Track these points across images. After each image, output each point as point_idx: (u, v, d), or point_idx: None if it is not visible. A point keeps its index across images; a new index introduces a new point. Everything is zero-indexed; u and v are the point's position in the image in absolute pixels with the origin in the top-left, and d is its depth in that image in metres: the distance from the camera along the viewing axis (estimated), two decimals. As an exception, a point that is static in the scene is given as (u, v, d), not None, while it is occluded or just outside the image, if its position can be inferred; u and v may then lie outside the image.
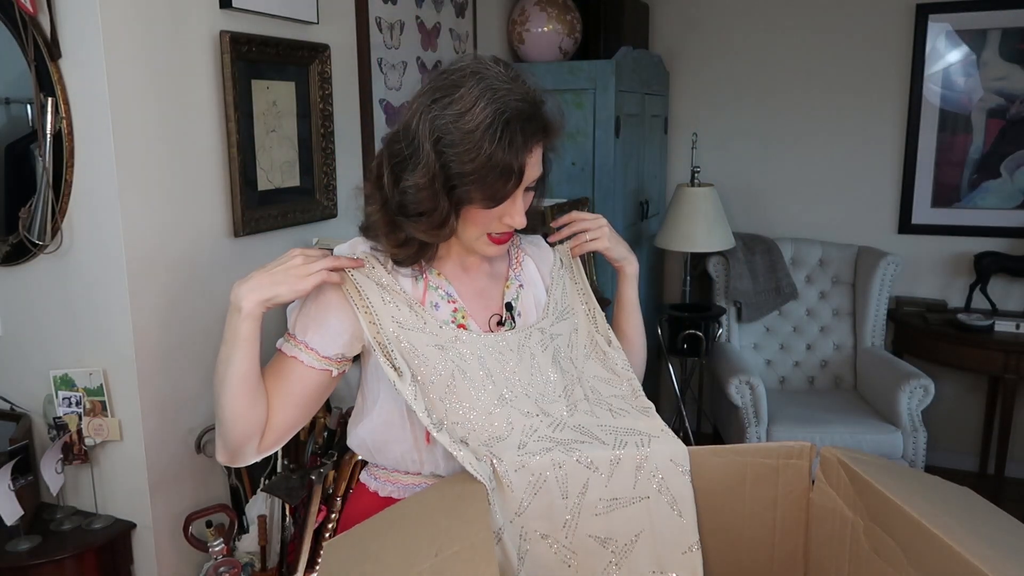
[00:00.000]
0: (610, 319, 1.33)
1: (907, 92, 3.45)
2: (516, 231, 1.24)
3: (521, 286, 1.22)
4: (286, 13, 1.95)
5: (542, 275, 1.26)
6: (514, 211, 1.07)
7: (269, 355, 1.15)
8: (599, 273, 3.08)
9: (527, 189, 1.09)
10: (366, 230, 1.16)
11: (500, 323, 1.16)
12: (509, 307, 1.18)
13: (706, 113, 3.77)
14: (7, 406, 1.78)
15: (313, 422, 1.81)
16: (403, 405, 1.12)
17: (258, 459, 1.12)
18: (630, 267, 1.34)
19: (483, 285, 1.19)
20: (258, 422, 1.08)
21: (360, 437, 1.19)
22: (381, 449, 1.17)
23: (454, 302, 1.14)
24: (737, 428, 3.09)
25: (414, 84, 2.55)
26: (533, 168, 1.07)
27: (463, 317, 1.14)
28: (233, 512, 1.79)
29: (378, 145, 2.22)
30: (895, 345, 3.48)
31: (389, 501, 1.17)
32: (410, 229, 1.08)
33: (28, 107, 1.67)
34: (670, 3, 3.76)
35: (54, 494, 1.67)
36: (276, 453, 1.80)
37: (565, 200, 2.95)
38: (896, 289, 3.47)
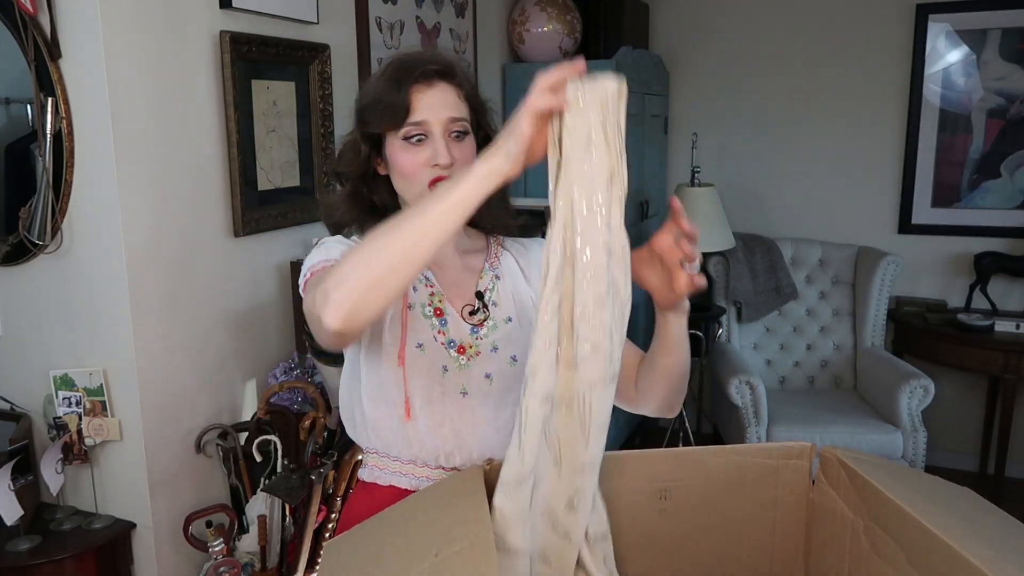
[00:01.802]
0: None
1: (907, 92, 3.44)
2: (508, 236, 1.25)
3: (497, 277, 1.21)
4: (286, 13, 1.95)
5: (523, 270, 1.24)
6: (439, 149, 1.09)
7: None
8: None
9: (456, 135, 1.12)
10: (338, 227, 1.24)
11: (472, 312, 1.18)
12: (480, 296, 1.19)
13: (706, 113, 3.77)
14: (7, 406, 1.78)
15: (313, 422, 1.81)
16: (387, 378, 1.13)
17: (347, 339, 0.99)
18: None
19: (457, 277, 1.20)
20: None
21: (352, 415, 1.21)
22: (374, 426, 1.18)
23: (431, 286, 1.17)
24: (737, 428, 3.09)
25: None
26: (436, 106, 1.11)
27: (439, 300, 1.17)
28: (233, 512, 1.79)
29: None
30: (895, 345, 3.48)
31: (376, 489, 1.18)
32: (358, 188, 1.18)
33: (28, 107, 1.67)
34: (670, 3, 3.76)
35: (54, 494, 1.67)
36: (276, 453, 1.80)
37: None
38: (896, 289, 3.47)
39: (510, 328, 1.18)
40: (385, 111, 1.10)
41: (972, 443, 3.54)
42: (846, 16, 3.49)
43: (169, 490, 1.75)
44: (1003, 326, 3.15)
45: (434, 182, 1.10)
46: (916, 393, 2.96)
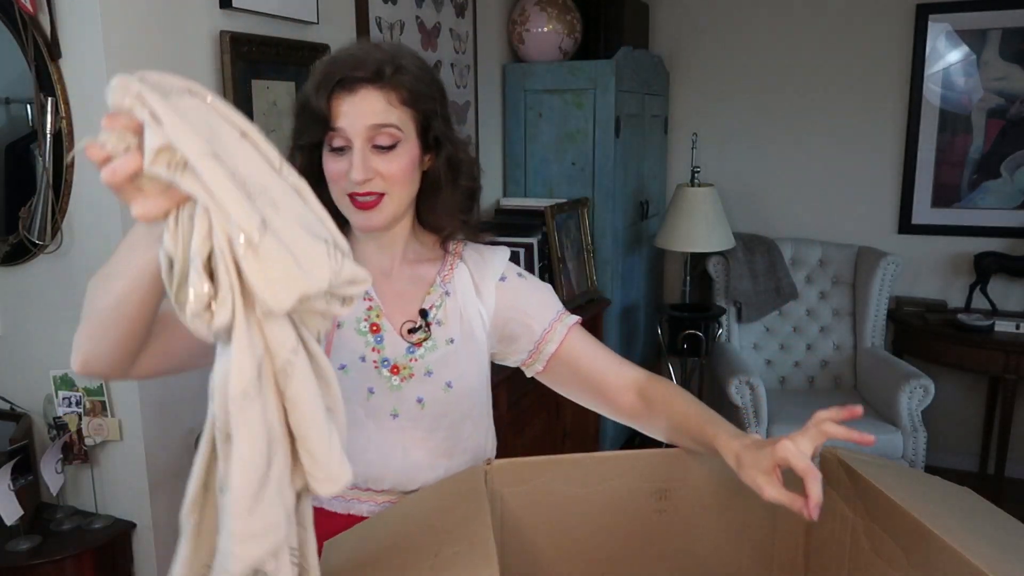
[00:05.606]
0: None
1: (907, 92, 3.44)
2: (469, 240, 1.16)
3: (447, 293, 1.13)
4: (286, 13, 1.95)
5: (476, 284, 1.14)
6: (354, 162, 1.00)
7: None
8: (599, 273, 3.07)
9: (381, 147, 1.01)
10: None
11: (412, 331, 1.10)
12: (424, 314, 1.11)
13: (706, 113, 3.77)
14: (7, 406, 1.78)
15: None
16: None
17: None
18: None
19: (403, 288, 1.12)
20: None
21: None
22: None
23: (371, 300, 1.10)
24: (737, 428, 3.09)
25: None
26: (353, 115, 1.00)
27: (377, 316, 1.10)
28: (233, 512, 1.78)
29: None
30: (895, 345, 3.48)
31: (318, 515, 0.99)
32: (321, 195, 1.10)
33: (28, 107, 1.67)
34: (670, 3, 3.76)
35: (54, 494, 1.67)
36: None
37: (565, 200, 2.95)
38: (896, 289, 3.47)
39: (450, 351, 1.11)
40: (308, 120, 1.03)
41: (972, 443, 3.54)
42: (846, 16, 3.49)
43: (169, 490, 1.75)
44: (1003, 326, 3.15)
45: (351, 196, 1.02)
46: (916, 393, 2.96)
